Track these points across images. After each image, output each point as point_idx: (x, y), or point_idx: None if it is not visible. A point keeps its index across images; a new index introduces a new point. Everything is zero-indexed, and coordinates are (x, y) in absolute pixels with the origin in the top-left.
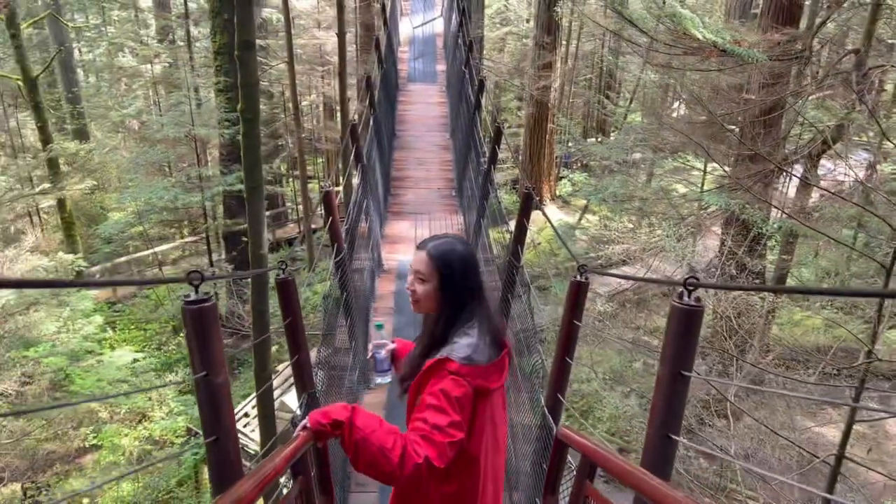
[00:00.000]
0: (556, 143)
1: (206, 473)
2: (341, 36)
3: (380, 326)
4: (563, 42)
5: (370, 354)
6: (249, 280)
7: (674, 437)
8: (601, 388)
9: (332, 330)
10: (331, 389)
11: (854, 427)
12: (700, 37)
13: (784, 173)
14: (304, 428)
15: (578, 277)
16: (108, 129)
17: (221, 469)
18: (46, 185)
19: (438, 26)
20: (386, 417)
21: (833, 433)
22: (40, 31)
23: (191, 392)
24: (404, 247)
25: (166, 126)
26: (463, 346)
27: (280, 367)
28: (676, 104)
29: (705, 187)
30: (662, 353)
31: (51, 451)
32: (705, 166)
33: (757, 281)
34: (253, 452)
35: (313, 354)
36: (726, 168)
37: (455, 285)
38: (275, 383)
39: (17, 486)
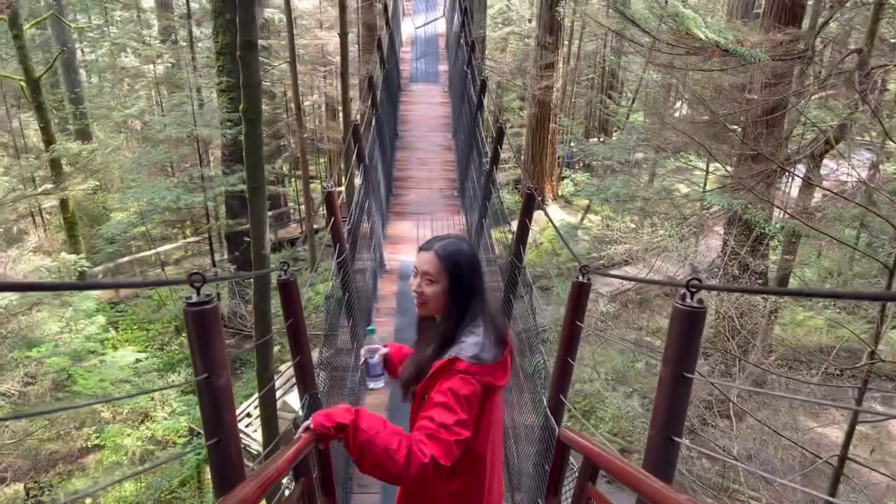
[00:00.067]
0: (558, 142)
1: (208, 473)
2: (343, 36)
3: (371, 331)
4: (566, 42)
5: (362, 360)
6: (252, 280)
7: (676, 439)
8: (603, 389)
9: (334, 330)
10: (332, 390)
11: (857, 427)
12: (702, 36)
13: (786, 173)
14: (307, 429)
15: (580, 278)
16: (111, 129)
17: (223, 471)
18: (49, 186)
19: (441, 26)
20: (388, 419)
21: (836, 433)
22: (43, 32)
23: (193, 392)
24: (406, 247)
25: (169, 126)
26: (470, 345)
27: (282, 368)
28: (679, 104)
29: (708, 187)
30: (665, 355)
31: (53, 451)
32: (707, 166)
33: (759, 281)
34: (255, 453)
35: (315, 355)
36: (729, 168)
37: (464, 285)
38: (277, 383)
39: (19, 486)
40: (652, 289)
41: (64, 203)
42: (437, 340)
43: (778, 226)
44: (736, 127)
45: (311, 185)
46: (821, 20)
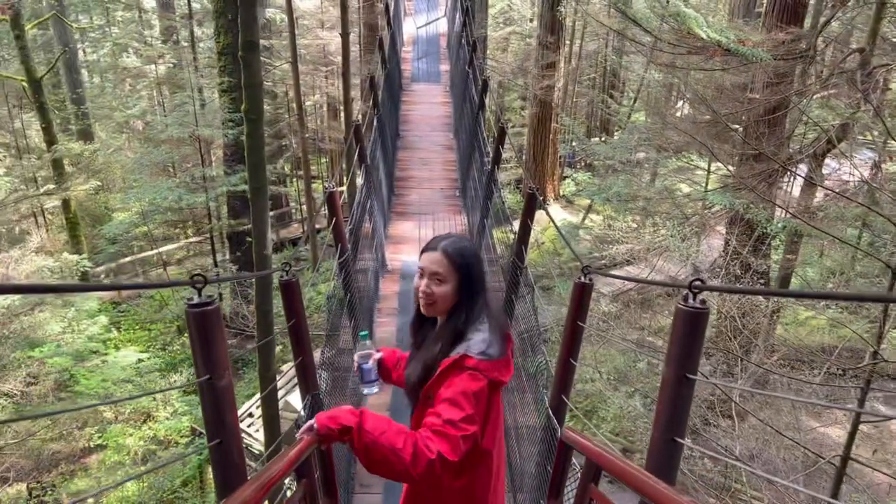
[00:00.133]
0: (559, 142)
1: (210, 473)
2: (345, 36)
3: (364, 336)
4: (567, 42)
5: (356, 366)
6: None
7: (679, 440)
8: (605, 388)
9: (335, 330)
10: (334, 390)
11: (859, 427)
12: (704, 36)
13: (788, 173)
14: (310, 430)
15: (582, 279)
16: (113, 129)
17: (225, 472)
18: (51, 186)
19: (442, 26)
20: (390, 418)
21: (838, 433)
22: (45, 32)
23: (195, 392)
24: (408, 247)
25: (170, 126)
26: (478, 341)
27: (284, 368)
28: (680, 103)
29: (709, 187)
30: (667, 356)
31: (56, 451)
32: (709, 166)
33: (761, 281)
34: (257, 452)
35: (317, 355)
36: (730, 167)
37: (473, 282)
38: (279, 384)
39: (22, 487)
40: (654, 289)
41: (66, 203)
42: (446, 339)
43: (780, 225)
44: (738, 126)
45: (313, 185)
46: (822, 19)
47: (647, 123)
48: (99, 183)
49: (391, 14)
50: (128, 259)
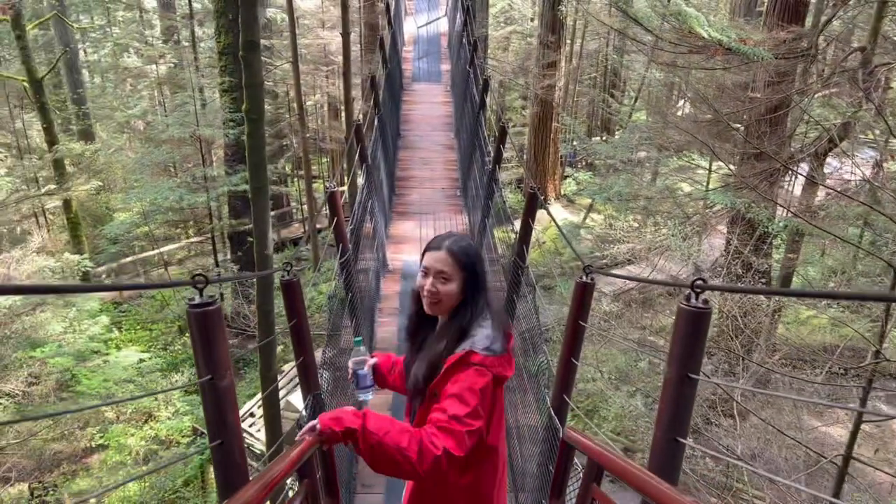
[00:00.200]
0: (560, 141)
1: (212, 473)
2: (345, 36)
3: (359, 342)
4: (568, 41)
5: (350, 372)
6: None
7: (681, 440)
8: (606, 388)
9: (337, 330)
10: (336, 390)
11: (861, 427)
12: (705, 35)
13: (790, 172)
14: (313, 430)
15: (584, 278)
16: (114, 129)
17: (227, 472)
18: (52, 186)
19: (443, 25)
20: (393, 417)
21: (840, 432)
22: (45, 32)
23: (196, 392)
24: (409, 247)
25: (171, 126)
26: (482, 338)
27: (286, 368)
28: (681, 103)
29: (710, 186)
30: (669, 356)
31: (57, 450)
32: (710, 165)
33: (763, 280)
34: (259, 452)
35: (318, 355)
36: (732, 167)
37: (477, 280)
38: (280, 383)
39: (24, 487)
40: (655, 288)
41: (67, 203)
42: (452, 336)
43: (781, 224)
44: (739, 125)
45: (314, 185)
46: (824, 18)
47: (649, 122)
48: (100, 183)
49: (392, 13)
50: (129, 259)
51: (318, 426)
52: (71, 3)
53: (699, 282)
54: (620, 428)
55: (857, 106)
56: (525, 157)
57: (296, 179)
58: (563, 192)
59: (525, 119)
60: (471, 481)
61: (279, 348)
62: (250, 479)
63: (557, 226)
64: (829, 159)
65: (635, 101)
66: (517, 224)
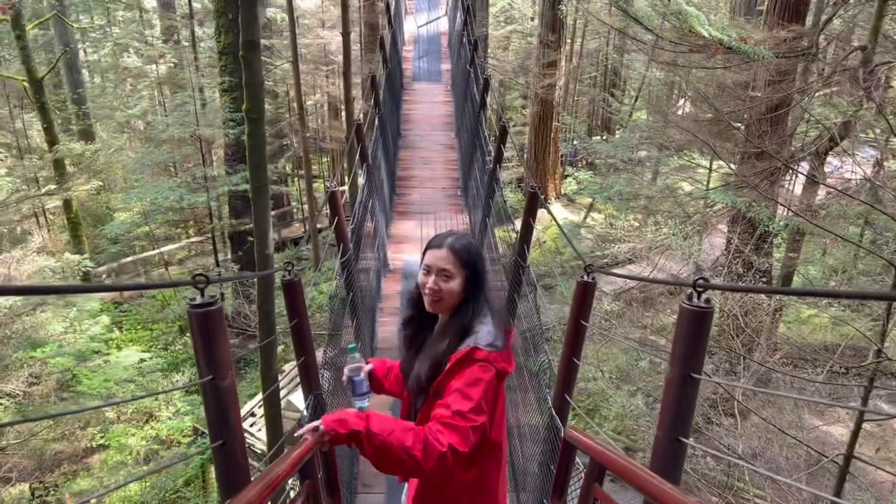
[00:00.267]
0: (561, 141)
1: (213, 473)
2: (346, 35)
3: (353, 349)
4: (568, 40)
5: (345, 379)
6: (255, 280)
7: (683, 439)
8: (607, 387)
9: (338, 330)
10: (337, 390)
11: (862, 426)
12: (705, 34)
13: (790, 171)
14: (315, 430)
15: (585, 278)
16: (114, 129)
17: (228, 472)
18: (52, 186)
19: (443, 25)
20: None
21: (841, 431)
22: (45, 32)
23: (197, 392)
24: (410, 246)
25: (171, 126)
26: (485, 334)
27: (286, 367)
28: (682, 102)
29: (711, 185)
30: (671, 355)
31: (58, 451)
32: (711, 164)
33: (763, 280)
34: (260, 452)
35: (319, 355)
36: (732, 166)
37: (479, 277)
38: (281, 383)
39: (25, 487)
40: (655, 287)
41: (67, 203)
42: (454, 334)
43: (782, 223)
44: (739, 124)
45: (314, 185)
46: (824, 17)
47: (649, 122)
48: (100, 183)
49: (392, 13)
50: (129, 259)
51: (322, 428)
52: (71, 2)
53: (701, 281)
54: (621, 427)
55: (857, 105)
56: (525, 156)
57: (296, 179)
58: (563, 192)
59: (525, 118)
60: (475, 476)
61: (280, 348)
62: (252, 479)
63: (558, 225)
64: (829, 158)
65: (636, 100)
66: (518, 223)
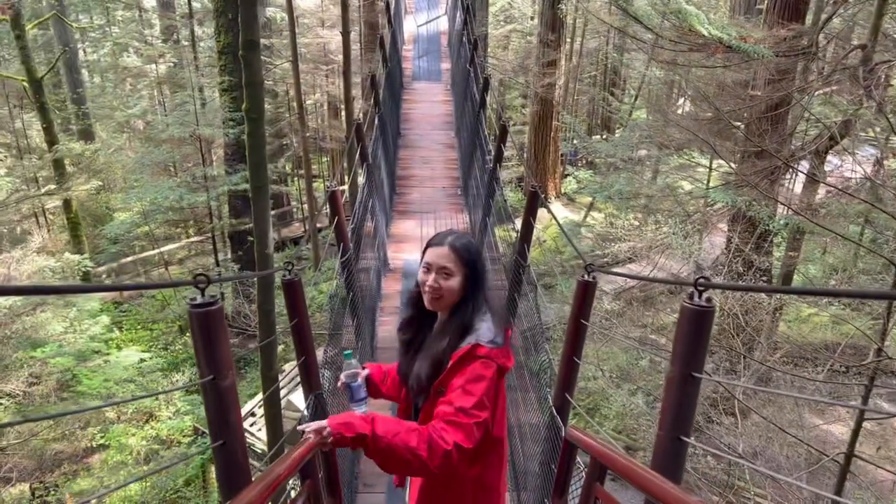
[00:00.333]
0: (560, 140)
1: (213, 473)
2: (345, 34)
3: (349, 356)
4: (568, 39)
5: (341, 384)
6: (255, 280)
7: (685, 439)
8: (607, 386)
9: (338, 330)
10: (337, 390)
11: (863, 424)
12: (705, 33)
13: (790, 169)
14: (320, 431)
15: (586, 277)
16: (114, 129)
17: (229, 472)
18: (52, 186)
19: (443, 24)
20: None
21: (842, 430)
22: (45, 32)
23: (197, 392)
24: (410, 246)
25: (171, 126)
26: (485, 331)
27: (287, 367)
28: (682, 101)
29: (711, 184)
30: (672, 355)
31: (58, 451)
32: (711, 163)
33: (764, 278)
34: (260, 452)
35: (320, 354)
36: (732, 165)
37: (479, 275)
38: (281, 383)
39: (25, 487)
40: (656, 286)
41: (67, 203)
42: (455, 332)
43: (782, 222)
44: (739, 123)
45: (314, 184)
46: (824, 16)
47: (649, 121)
48: (100, 183)
49: (392, 12)
50: (129, 259)
51: (328, 429)
52: (70, 2)
53: (702, 280)
54: (622, 426)
55: (857, 103)
56: (525, 155)
57: (296, 179)
58: (563, 191)
59: (525, 117)
60: (478, 473)
61: (280, 348)
62: (252, 479)
63: (559, 224)
64: (829, 157)
65: (635, 99)
66: (518, 223)
